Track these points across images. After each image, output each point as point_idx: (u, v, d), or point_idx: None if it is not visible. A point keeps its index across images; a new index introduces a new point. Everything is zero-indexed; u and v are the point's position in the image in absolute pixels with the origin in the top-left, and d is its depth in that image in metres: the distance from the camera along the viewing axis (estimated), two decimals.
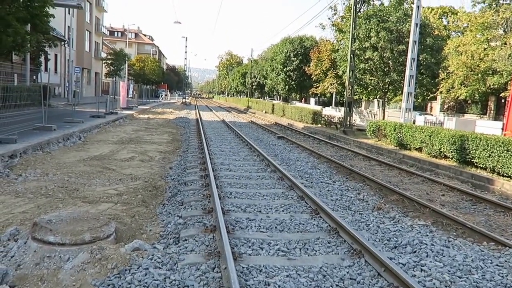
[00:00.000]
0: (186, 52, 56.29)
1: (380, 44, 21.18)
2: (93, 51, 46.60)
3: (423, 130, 13.60)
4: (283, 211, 6.50)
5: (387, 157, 13.96)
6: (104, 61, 49.71)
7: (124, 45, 64.23)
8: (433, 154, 12.84)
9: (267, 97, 69.89)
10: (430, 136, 12.96)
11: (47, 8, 19.48)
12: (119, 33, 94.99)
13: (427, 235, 5.66)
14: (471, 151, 11.00)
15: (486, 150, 10.45)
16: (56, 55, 34.10)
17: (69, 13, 33.79)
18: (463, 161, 11.48)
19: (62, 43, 33.93)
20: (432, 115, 30.23)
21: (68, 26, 32.80)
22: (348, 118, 21.15)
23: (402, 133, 14.69)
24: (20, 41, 18.02)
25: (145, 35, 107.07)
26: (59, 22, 31.06)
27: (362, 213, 6.76)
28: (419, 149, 13.81)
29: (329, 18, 32.59)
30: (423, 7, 33.00)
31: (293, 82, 42.96)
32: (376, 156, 13.98)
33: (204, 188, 7.53)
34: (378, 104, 30.94)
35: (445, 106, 35.31)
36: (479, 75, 22.68)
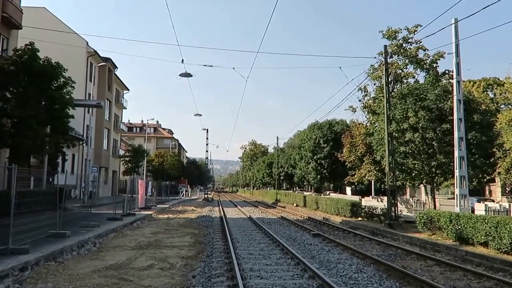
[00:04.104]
0: (207, 144, 58.08)
1: (420, 124, 21.35)
2: (111, 148, 49.43)
3: (486, 221, 12.99)
4: None
5: (446, 255, 13.20)
6: (122, 159, 52.25)
7: (142, 141, 67.92)
8: (503, 250, 12.03)
9: (297, 188, 69.88)
10: (496, 228, 12.32)
11: (67, 109, 21.48)
12: (138, 129, 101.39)
13: None
14: None
15: None
16: (73, 155, 36.27)
17: (88, 112, 36.92)
18: None
19: (80, 142, 36.29)
20: (493, 200, 29.02)
21: (87, 125, 35.50)
22: (393, 208, 20.61)
23: (460, 224, 14.07)
24: (39, 143, 19.54)
25: (164, 129, 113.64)
26: (78, 121, 33.73)
27: None
28: (485, 244, 13.02)
29: (359, 100, 33.73)
30: (464, 81, 33.85)
31: (325, 171, 43.11)
32: (432, 254, 13.27)
33: None
34: (426, 190, 30.16)
35: (507, 189, 33.91)
36: None
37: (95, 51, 40.54)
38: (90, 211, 17.16)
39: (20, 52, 19.92)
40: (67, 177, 20.27)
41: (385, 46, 23.31)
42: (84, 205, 26.19)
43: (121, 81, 52.70)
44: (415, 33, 29.06)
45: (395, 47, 29.51)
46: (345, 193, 46.20)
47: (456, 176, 17.26)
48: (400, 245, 14.70)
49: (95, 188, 34.48)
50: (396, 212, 20.84)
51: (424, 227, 16.86)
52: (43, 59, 20.18)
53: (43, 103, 20.29)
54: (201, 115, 49.23)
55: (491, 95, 38.32)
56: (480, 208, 20.76)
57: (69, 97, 21.60)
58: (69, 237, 12.43)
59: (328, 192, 46.90)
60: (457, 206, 16.92)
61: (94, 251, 11.93)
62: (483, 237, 12.94)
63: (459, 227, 14.18)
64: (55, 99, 20.37)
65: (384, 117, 22.20)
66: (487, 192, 37.55)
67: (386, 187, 22.02)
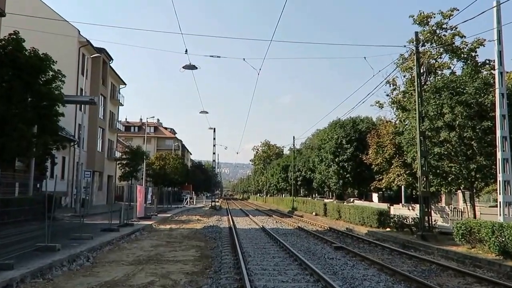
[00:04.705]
0: (214, 145, 58.00)
1: (457, 122, 21.16)
2: (106, 150, 49.89)
3: None
4: None
5: (488, 271, 13.08)
6: (118, 162, 52.63)
7: (141, 141, 68.50)
8: None
9: (316, 194, 69.66)
10: None
11: (57, 106, 21.66)
12: (136, 128, 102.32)
13: None
14: None
15: None
16: (63, 158, 36.71)
17: (80, 110, 37.26)
18: None
19: (71, 143, 36.66)
20: None
21: (79, 124, 35.86)
22: (426, 218, 20.45)
23: (505, 236, 13.85)
24: (25, 144, 19.73)
25: (166, 128, 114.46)
26: (69, 120, 34.07)
27: None
28: None
29: (387, 95, 33.47)
30: (507, 72, 33.30)
31: (348, 175, 42.86)
32: (472, 269, 13.14)
33: None
34: (464, 197, 29.81)
35: None
36: None
37: (87, 40, 40.96)
38: (83, 221, 17.28)
39: (3, 42, 20.11)
40: (56, 183, 20.39)
41: (416, 33, 23.07)
42: (76, 215, 26.48)
43: (117, 74, 53.17)
44: (451, 17, 28.64)
45: (428, 34, 29.20)
46: (371, 200, 45.85)
47: (499, 181, 16.99)
48: (435, 260, 14.60)
49: (88, 195, 34.83)
50: (430, 222, 20.62)
51: (462, 239, 16.64)
52: (29, 50, 20.37)
53: (29, 99, 20.45)
54: (207, 113, 48.85)
55: None
56: None
57: (59, 92, 21.78)
58: (59, 251, 12.50)
59: (351, 199, 46.60)
60: (500, 215, 16.67)
61: (87, 267, 12.01)
62: None
63: (503, 239, 13.93)
64: (42, 95, 20.54)
65: (415, 113, 22.00)
66: None
67: (418, 193, 21.82)
